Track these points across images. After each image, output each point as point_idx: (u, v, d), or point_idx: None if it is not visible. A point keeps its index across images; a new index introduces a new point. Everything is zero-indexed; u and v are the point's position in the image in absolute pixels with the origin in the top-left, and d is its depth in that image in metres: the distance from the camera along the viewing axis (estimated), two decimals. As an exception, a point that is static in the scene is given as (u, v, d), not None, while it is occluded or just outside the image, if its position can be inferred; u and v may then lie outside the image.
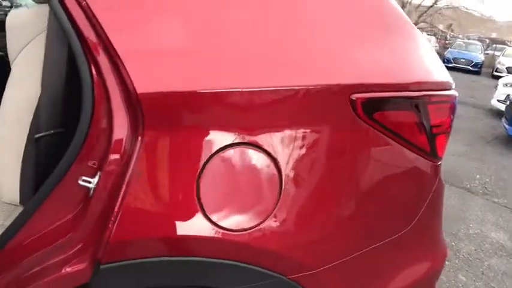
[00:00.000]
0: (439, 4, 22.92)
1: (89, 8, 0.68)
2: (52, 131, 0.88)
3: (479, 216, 2.95)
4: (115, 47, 0.67)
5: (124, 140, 0.70)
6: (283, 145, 0.74)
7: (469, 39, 22.32)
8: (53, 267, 0.72)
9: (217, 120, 0.72)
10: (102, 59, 0.70)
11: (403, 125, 0.84)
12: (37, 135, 0.87)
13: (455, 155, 4.37)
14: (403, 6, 24.80)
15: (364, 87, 0.78)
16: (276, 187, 0.74)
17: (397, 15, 0.90)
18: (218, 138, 0.71)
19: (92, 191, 0.71)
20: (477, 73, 15.19)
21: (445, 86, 0.92)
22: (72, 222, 0.73)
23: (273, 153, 0.73)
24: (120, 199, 0.68)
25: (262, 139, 0.73)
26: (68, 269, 0.71)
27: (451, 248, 2.44)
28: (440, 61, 0.98)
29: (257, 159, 0.73)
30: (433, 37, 19.77)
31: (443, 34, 25.92)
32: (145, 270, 0.72)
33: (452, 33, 27.95)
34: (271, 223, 0.74)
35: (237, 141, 0.72)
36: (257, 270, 0.76)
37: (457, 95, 0.94)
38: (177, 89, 0.69)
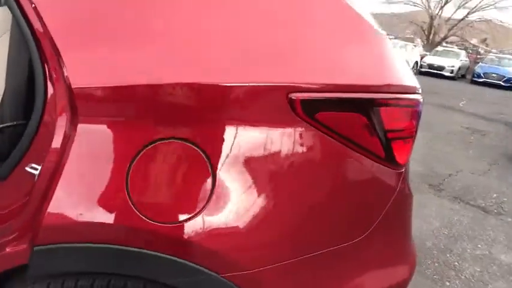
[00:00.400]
0: (471, 17, 22.31)
1: (36, 5, 0.73)
2: (15, 123, 0.95)
3: (490, 236, 2.80)
4: (56, 42, 0.71)
5: (63, 132, 0.74)
6: (218, 142, 0.73)
7: (503, 53, 21.57)
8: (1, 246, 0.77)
9: (147, 114, 0.73)
10: (50, 55, 0.75)
11: (351, 128, 0.80)
12: (0, 126, 0.93)
13: (475, 173, 4.20)
14: (431, 19, 24.40)
15: (303, 87, 0.76)
16: (207, 183, 0.73)
17: (350, 16, 0.88)
18: (149, 132, 0.72)
19: (36, 178, 0.76)
20: (509, 89, 14.65)
21: (406, 90, 0.88)
22: (21, 206, 0.79)
23: (206, 150, 0.72)
24: (54, 186, 0.72)
25: (196, 134, 0.72)
26: (9, 249, 0.76)
27: (453, 267, 2.33)
28: (405, 65, 0.94)
29: (189, 154, 0.72)
30: (463, 51, 19.26)
31: (474, 48, 25.16)
32: (75, 255, 0.75)
33: (485, 48, 27.11)
34: (203, 218, 0.73)
35: (168, 135, 0.72)
36: (188, 265, 0.74)
37: (420, 99, 0.90)
38: (107, 83, 0.70)
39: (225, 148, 0.74)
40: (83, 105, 0.71)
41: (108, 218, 0.72)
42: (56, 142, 0.74)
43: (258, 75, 0.75)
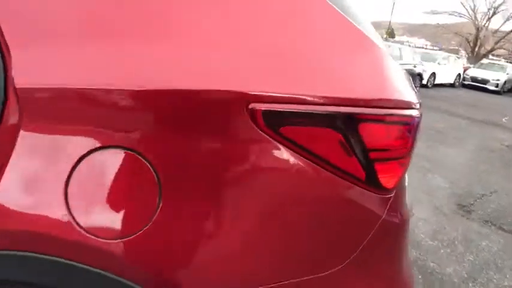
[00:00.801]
0: (521, 29, 21.12)
1: None
2: None
3: (522, 266, 2.55)
4: (6, 38, 0.67)
5: (10, 132, 0.68)
6: (166, 152, 0.66)
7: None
8: None
9: (90, 120, 0.66)
10: (6, 52, 0.71)
11: (323, 146, 0.71)
12: None
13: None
14: (477, 31, 23.23)
15: (266, 97, 0.67)
16: (152, 200, 0.66)
17: (333, 21, 0.78)
18: (91, 139, 0.66)
19: None
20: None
21: (396, 105, 0.77)
22: None
23: (152, 161, 0.65)
24: None
25: (142, 144, 0.66)
26: None
27: (475, 299, 2.13)
28: (402, 78, 0.83)
29: (133, 165, 0.66)
30: (510, 65, 18.20)
31: (524, 62, 23.75)
32: (9, 262, 0.70)
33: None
34: (143, 237, 0.66)
35: (110, 143, 0.65)
36: (120, 281, 0.68)
37: (416, 115, 0.78)
38: (47, 85, 0.65)
39: (174, 161, 0.66)
40: (25, 107, 0.65)
41: (47, 228, 0.67)
42: (2, 143, 0.69)
43: (211, 81, 0.67)
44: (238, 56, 0.70)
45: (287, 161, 0.69)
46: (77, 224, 0.66)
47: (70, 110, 0.66)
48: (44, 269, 0.70)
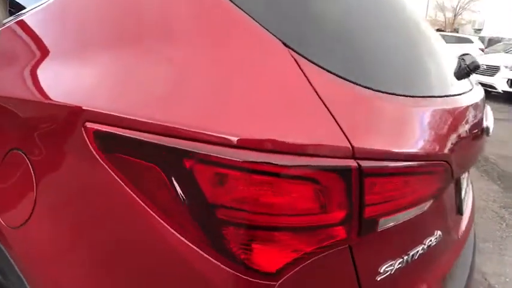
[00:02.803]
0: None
1: None
2: None
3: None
4: None
5: None
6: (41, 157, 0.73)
7: None
8: None
9: None
10: None
11: (149, 184, 0.56)
12: None
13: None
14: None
15: (102, 117, 0.59)
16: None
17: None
18: None
19: None
20: None
21: (277, 147, 0.51)
22: None
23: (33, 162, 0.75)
24: None
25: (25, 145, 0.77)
26: None
27: None
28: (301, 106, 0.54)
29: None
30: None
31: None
32: None
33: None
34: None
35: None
36: None
37: (342, 167, 0.51)
38: None
39: (46, 164, 0.72)
40: None
41: None
42: None
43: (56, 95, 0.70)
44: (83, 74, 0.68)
45: (111, 191, 0.59)
46: None
47: None
48: None
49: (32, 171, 0.74)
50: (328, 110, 0.53)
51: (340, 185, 0.52)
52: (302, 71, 0.55)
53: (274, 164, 0.50)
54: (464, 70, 0.99)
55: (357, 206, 0.55)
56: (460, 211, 1.00)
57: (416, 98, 0.70)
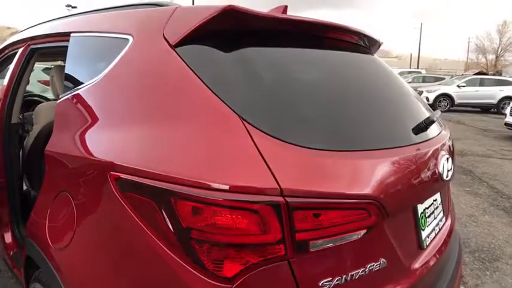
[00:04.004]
0: None
1: None
2: None
3: None
4: None
5: None
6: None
7: None
8: None
9: None
10: None
11: (150, 214, 0.84)
12: None
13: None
14: None
15: (121, 168, 0.90)
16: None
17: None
18: None
19: None
20: None
21: (221, 186, 0.76)
22: None
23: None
24: None
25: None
26: None
27: None
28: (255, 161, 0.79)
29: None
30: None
31: None
32: None
33: None
34: None
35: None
36: None
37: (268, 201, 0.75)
38: None
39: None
40: None
41: None
42: None
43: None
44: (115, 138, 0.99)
45: (123, 217, 0.89)
46: None
47: None
48: None
49: (73, 207, 1.05)
50: (266, 163, 0.79)
51: (273, 215, 0.76)
52: (250, 136, 0.82)
53: (228, 199, 0.76)
54: (422, 125, 1.20)
55: (289, 230, 0.78)
56: (421, 245, 1.16)
57: (353, 152, 0.93)
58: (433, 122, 1.20)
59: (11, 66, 1.94)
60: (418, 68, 35.32)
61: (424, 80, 19.56)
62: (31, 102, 3.01)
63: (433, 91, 14.92)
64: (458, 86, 14.66)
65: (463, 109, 15.04)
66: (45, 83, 4.73)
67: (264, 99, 0.91)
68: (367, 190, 0.88)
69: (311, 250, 0.81)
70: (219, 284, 0.77)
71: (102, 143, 1.03)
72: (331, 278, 0.85)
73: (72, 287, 1.04)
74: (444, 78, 19.49)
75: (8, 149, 1.91)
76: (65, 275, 1.06)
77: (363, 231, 0.88)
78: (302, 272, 0.81)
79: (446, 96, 14.63)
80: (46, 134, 1.91)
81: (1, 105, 1.94)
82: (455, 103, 14.57)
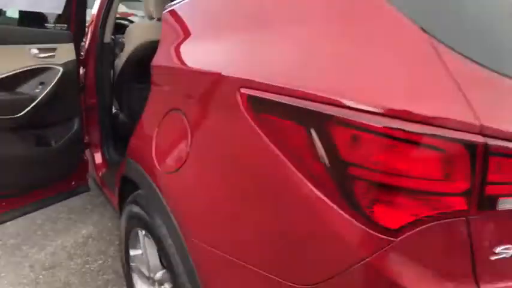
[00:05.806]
0: None
1: None
2: None
3: None
4: None
5: None
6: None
7: None
8: None
9: None
10: None
11: (295, 143, 0.68)
12: None
13: None
14: None
15: (253, 84, 0.76)
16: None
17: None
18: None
19: None
20: None
21: (397, 114, 0.58)
22: None
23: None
24: None
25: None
26: None
27: None
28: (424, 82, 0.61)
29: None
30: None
31: None
32: None
33: None
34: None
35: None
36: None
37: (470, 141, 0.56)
38: None
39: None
40: None
41: None
42: None
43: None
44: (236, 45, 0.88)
45: (259, 145, 0.74)
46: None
47: None
48: None
49: (187, 127, 0.96)
50: (461, 90, 0.59)
51: (465, 158, 0.58)
52: (438, 55, 0.61)
53: (405, 130, 0.58)
54: None
55: (479, 181, 0.59)
56: None
57: None
58: None
59: None
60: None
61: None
62: (119, 26, 3.02)
63: None
64: None
65: None
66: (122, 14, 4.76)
67: (464, 12, 0.69)
68: None
69: (498, 209, 0.62)
70: (380, 235, 0.61)
71: (229, 56, 0.88)
72: (509, 246, 0.67)
73: (181, 213, 0.96)
74: None
75: (100, 69, 1.89)
76: (174, 200, 0.99)
77: None
78: (479, 233, 0.64)
79: None
80: (138, 54, 1.85)
81: (94, 25, 1.92)
82: None
